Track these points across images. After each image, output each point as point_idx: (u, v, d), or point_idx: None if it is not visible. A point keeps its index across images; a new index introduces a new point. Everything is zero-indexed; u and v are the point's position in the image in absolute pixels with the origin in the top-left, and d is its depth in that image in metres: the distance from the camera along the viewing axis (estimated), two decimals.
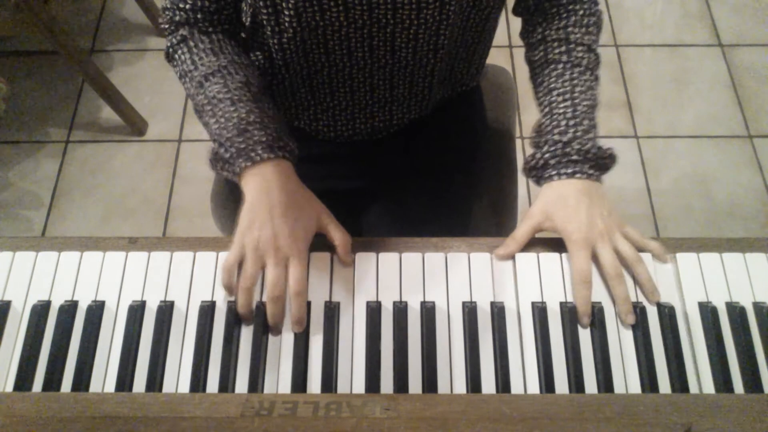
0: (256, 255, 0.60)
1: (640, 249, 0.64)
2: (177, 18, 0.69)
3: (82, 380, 0.58)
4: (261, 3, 0.65)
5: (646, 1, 1.95)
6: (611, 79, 1.80)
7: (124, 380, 0.58)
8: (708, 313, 0.61)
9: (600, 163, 0.67)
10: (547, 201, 0.67)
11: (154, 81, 1.79)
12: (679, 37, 1.87)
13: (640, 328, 0.60)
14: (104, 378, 0.58)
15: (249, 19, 0.76)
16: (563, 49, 0.72)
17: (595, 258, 0.63)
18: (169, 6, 0.69)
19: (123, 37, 1.87)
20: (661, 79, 1.80)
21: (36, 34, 1.35)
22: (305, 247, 0.62)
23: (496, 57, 1.84)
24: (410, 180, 0.87)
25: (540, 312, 0.61)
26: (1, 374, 0.59)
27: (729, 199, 1.61)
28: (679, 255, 0.64)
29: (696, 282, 0.63)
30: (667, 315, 0.61)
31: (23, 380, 0.58)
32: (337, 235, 0.64)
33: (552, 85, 0.71)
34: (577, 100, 0.69)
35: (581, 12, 0.73)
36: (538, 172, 0.69)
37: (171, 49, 0.71)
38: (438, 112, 0.87)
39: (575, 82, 0.70)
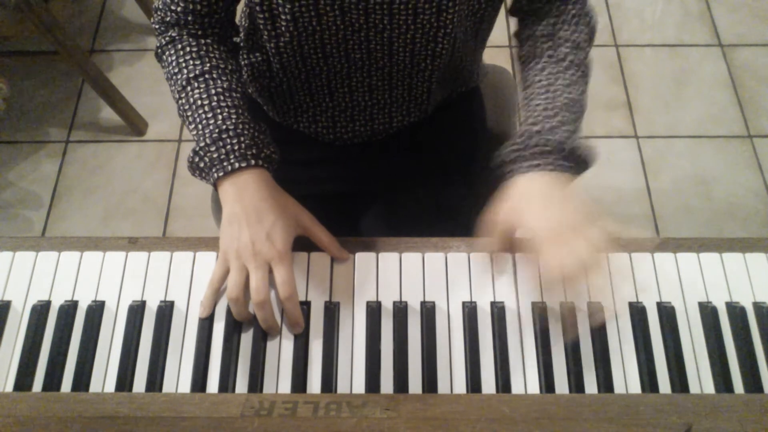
0: (239, 264, 0.60)
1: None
2: (168, 18, 0.69)
3: (82, 380, 0.58)
4: (258, 7, 0.65)
5: (646, 1, 1.94)
6: (611, 79, 1.80)
7: (124, 380, 0.58)
8: (708, 313, 0.61)
9: (575, 154, 0.63)
10: (511, 204, 0.62)
11: (154, 81, 1.79)
12: (679, 37, 1.87)
13: (640, 328, 0.60)
14: (104, 378, 0.58)
15: (247, 21, 0.76)
16: (549, 44, 0.71)
17: (569, 252, 0.57)
18: (161, 6, 0.69)
19: (123, 37, 1.87)
20: (661, 79, 1.80)
21: (36, 34, 1.35)
22: (285, 249, 0.61)
23: (496, 57, 1.83)
24: (410, 180, 0.87)
25: (540, 312, 0.61)
26: (1, 374, 0.59)
27: (729, 199, 1.61)
28: (679, 255, 0.64)
29: (696, 282, 0.63)
30: (667, 315, 0.61)
31: (23, 380, 0.58)
32: (322, 236, 0.64)
33: (533, 79, 0.70)
34: (556, 93, 0.67)
35: (573, 11, 0.72)
36: (506, 167, 0.65)
37: (160, 50, 0.71)
38: (438, 112, 0.87)
39: (558, 76, 0.69)
